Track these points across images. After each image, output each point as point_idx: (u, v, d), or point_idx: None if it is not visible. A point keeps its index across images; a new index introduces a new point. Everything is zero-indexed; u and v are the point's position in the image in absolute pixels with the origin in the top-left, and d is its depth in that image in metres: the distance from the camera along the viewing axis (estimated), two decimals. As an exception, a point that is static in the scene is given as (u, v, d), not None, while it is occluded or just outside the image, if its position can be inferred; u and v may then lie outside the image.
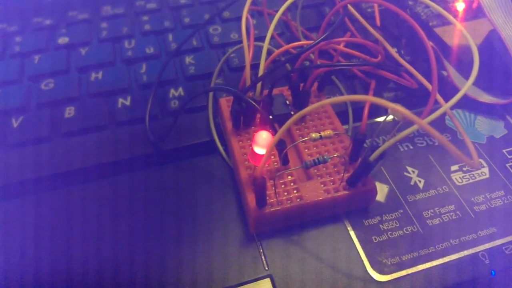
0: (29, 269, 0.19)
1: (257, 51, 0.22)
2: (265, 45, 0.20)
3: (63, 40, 0.30)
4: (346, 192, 0.19)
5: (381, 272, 0.19)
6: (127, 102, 0.25)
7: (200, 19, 0.31)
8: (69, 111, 0.25)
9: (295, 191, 0.19)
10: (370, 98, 0.15)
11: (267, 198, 0.19)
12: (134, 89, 0.27)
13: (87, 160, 0.23)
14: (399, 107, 0.14)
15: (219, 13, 0.27)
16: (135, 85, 0.27)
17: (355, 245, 0.20)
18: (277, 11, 0.20)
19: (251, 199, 0.19)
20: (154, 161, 0.23)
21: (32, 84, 0.27)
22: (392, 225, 0.20)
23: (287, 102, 0.22)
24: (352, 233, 0.20)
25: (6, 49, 0.30)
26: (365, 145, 0.20)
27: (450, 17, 0.19)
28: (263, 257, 0.19)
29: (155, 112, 0.25)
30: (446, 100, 0.18)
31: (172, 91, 0.26)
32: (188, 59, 0.28)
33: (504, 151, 0.23)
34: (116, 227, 0.21)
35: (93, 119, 0.25)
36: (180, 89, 0.26)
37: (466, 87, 0.17)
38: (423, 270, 0.19)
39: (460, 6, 0.23)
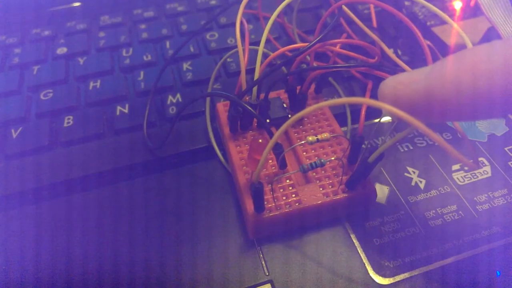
0: (29, 277, 0.19)
1: (254, 55, 0.22)
2: (260, 48, 0.20)
3: (61, 50, 0.30)
4: (345, 195, 0.19)
5: (383, 275, 0.18)
6: (126, 110, 0.25)
7: (197, 26, 0.31)
8: (68, 120, 0.25)
9: (293, 195, 0.19)
10: (367, 101, 0.15)
11: (266, 203, 0.19)
12: (132, 96, 0.27)
13: (86, 168, 0.23)
14: (394, 109, 0.14)
15: (216, 19, 0.27)
16: (133, 92, 0.27)
17: (356, 248, 0.19)
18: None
19: (249, 204, 0.19)
20: (153, 168, 0.23)
21: (32, 95, 0.27)
22: (394, 227, 0.20)
23: (284, 105, 0.22)
24: (353, 236, 0.20)
25: (5, 61, 0.30)
26: (363, 146, 0.20)
27: (445, 16, 0.19)
28: (263, 262, 0.19)
29: (153, 119, 0.25)
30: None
31: (170, 97, 0.26)
32: (185, 66, 0.28)
33: (506, 149, 0.23)
34: (116, 235, 0.20)
35: (92, 127, 0.25)
36: (178, 96, 0.26)
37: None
38: (426, 272, 0.18)
39: (458, 5, 0.23)
